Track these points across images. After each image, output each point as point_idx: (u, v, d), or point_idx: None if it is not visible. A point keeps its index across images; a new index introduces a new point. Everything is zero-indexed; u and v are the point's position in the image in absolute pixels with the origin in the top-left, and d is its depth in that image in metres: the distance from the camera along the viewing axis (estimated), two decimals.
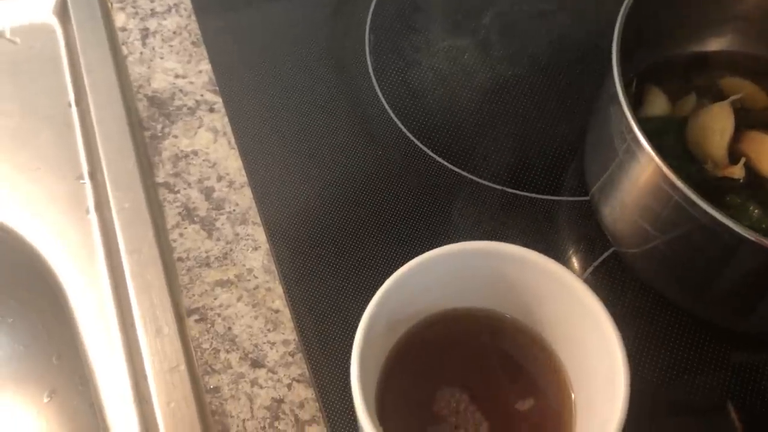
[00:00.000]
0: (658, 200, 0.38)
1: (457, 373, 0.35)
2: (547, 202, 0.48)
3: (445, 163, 0.49)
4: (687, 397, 0.42)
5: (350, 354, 0.42)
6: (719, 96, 0.47)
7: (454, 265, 0.33)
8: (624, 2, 0.41)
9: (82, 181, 0.48)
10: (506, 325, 0.35)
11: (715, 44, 0.50)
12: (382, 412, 0.31)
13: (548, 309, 0.34)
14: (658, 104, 0.47)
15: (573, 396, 0.34)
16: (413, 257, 0.45)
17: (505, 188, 0.48)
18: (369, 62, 0.53)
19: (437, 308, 0.35)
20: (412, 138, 0.50)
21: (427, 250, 0.46)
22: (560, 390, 0.35)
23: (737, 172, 0.44)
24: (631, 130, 0.37)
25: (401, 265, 0.45)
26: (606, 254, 0.46)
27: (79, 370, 0.53)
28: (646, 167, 0.38)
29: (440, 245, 0.46)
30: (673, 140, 0.45)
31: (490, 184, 0.48)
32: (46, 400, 0.54)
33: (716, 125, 0.46)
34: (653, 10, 0.43)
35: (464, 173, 0.49)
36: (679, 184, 0.35)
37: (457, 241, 0.46)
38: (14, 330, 0.56)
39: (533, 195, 0.48)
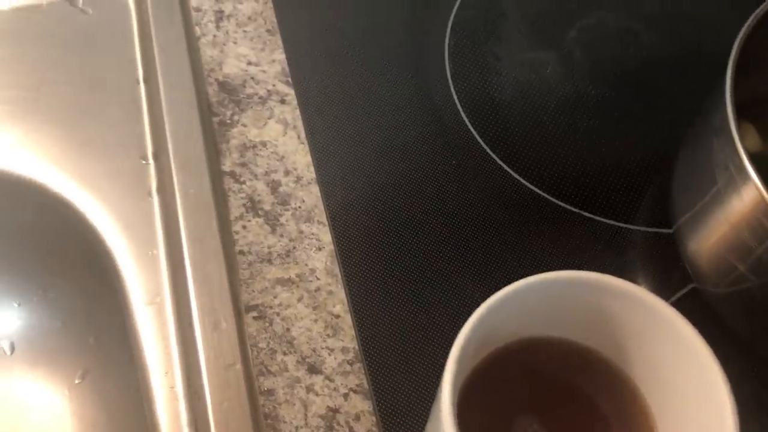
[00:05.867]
0: (758, 238, 0.36)
1: (538, 403, 0.33)
2: (622, 230, 0.46)
3: (520, 179, 0.47)
4: None
5: (413, 370, 0.41)
6: None
7: (551, 293, 0.31)
8: (740, 33, 0.39)
9: (145, 162, 0.47)
10: (595, 362, 0.33)
11: None
12: None
13: (644, 350, 0.32)
14: (750, 140, 0.45)
15: None
16: (482, 270, 0.44)
17: (581, 211, 0.46)
18: (447, 67, 0.51)
19: (524, 334, 0.33)
20: (488, 149, 0.48)
21: (497, 266, 0.44)
22: None
23: None
24: (739, 163, 0.35)
25: (469, 278, 0.44)
26: (684, 290, 0.44)
27: (116, 354, 0.51)
28: (749, 201, 0.36)
29: (511, 262, 0.44)
30: (763, 179, 0.43)
31: (565, 205, 0.46)
32: (77, 381, 0.53)
33: None
34: (762, 44, 0.41)
35: (539, 191, 0.47)
36: None
37: (528, 262, 0.45)
38: (53, 305, 0.54)
39: (608, 221, 0.46)
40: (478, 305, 0.30)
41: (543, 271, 0.31)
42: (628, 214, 0.46)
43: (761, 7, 0.40)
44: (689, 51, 0.53)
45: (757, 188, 0.35)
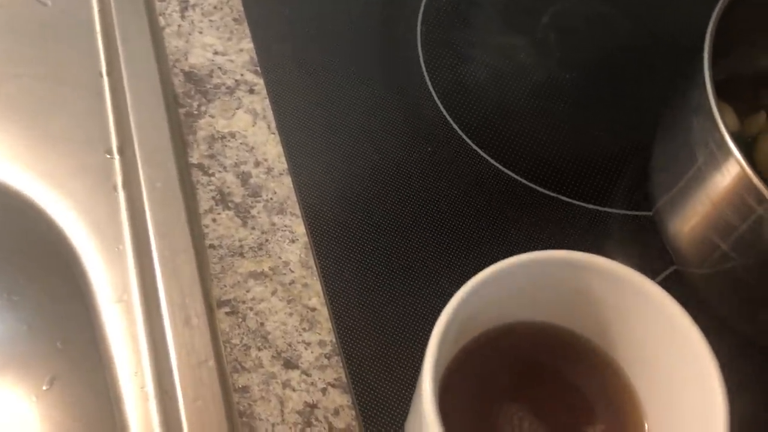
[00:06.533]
0: (741, 215, 0.35)
1: (522, 389, 0.32)
2: (601, 213, 0.45)
3: (497, 164, 0.46)
4: None
5: (392, 362, 0.40)
6: None
7: (532, 275, 0.30)
8: (714, 14, 0.38)
9: (110, 156, 0.45)
10: (579, 345, 0.33)
11: None
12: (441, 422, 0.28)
13: (629, 330, 0.31)
14: (728, 120, 0.45)
15: (646, 426, 0.31)
16: (460, 259, 0.43)
17: (559, 196, 0.45)
18: (420, 54, 0.50)
19: (506, 319, 0.32)
20: (463, 135, 0.47)
21: (475, 253, 0.43)
22: (632, 418, 0.32)
23: None
24: (720, 139, 0.35)
25: (448, 267, 0.43)
26: (666, 273, 0.43)
27: (85, 357, 0.50)
28: (730, 177, 0.35)
29: (490, 249, 0.43)
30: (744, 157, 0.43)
31: (543, 190, 0.46)
32: (45, 387, 0.51)
33: None
34: (739, 23, 0.40)
35: (516, 176, 0.46)
36: None
37: (507, 248, 0.44)
38: (17, 308, 0.52)
39: (587, 205, 0.45)
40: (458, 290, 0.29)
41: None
42: (606, 197, 0.46)
43: None
44: (663, 35, 0.52)
45: (738, 163, 0.35)
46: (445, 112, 0.48)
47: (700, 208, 0.38)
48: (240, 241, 0.43)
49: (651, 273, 0.43)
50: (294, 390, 0.39)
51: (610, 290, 0.31)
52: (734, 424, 0.27)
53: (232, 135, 0.46)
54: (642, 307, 0.30)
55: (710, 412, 0.27)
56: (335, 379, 0.39)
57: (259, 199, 0.44)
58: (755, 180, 0.34)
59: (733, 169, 0.35)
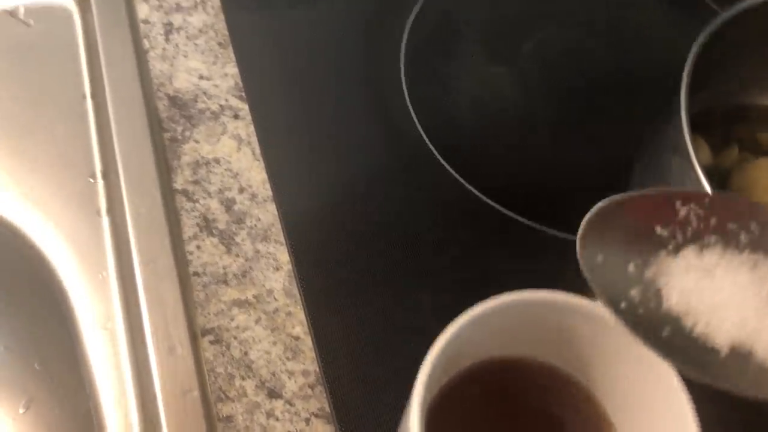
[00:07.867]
0: None
1: (504, 423, 0.33)
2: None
3: (480, 195, 0.47)
4: None
5: (376, 393, 0.40)
6: (758, 151, 0.47)
7: (515, 314, 0.31)
8: (691, 52, 0.39)
9: (93, 181, 0.45)
10: (561, 381, 0.33)
11: (757, 98, 0.49)
12: None
13: (609, 367, 0.32)
14: (701, 154, 0.46)
15: None
16: (446, 290, 0.43)
17: (539, 225, 0.46)
18: (404, 82, 0.51)
19: (490, 355, 0.33)
20: (447, 167, 0.48)
21: (460, 282, 0.44)
22: None
23: None
24: (696, 179, 0.36)
25: (432, 299, 0.43)
26: None
27: (63, 379, 0.49)
28: None
29: (473, 278, 0.44)
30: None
31: (522, 219, 0.46)
32: (22, 411, 0.51)
33: (763, 180, 0.44)
34: (714, 60, 0.41)
35: (497, 206, 0.47)
36: None
37: (490, 278, 0.44)
38: None
39: (568, 236, 0.46)
40: (441, 323, 0.29)
41: (502, 286, 0.31)
42: None
43: (712, 23, 0.41)
44: (641, 66, 0.54)
45: None
46: (427, 141, 0.49)
47: None
48: (224, 268, 0.43)
49: None
50: (278, 420, 0.39)
51: (590, 328, 0.31)
52: None
53: (217, 161, 0.46)
54: (619, 345, 0.31)
55: None
56: (319, 409, 0.40)
57: (243, 226, 0.45)
58: None
59: None
